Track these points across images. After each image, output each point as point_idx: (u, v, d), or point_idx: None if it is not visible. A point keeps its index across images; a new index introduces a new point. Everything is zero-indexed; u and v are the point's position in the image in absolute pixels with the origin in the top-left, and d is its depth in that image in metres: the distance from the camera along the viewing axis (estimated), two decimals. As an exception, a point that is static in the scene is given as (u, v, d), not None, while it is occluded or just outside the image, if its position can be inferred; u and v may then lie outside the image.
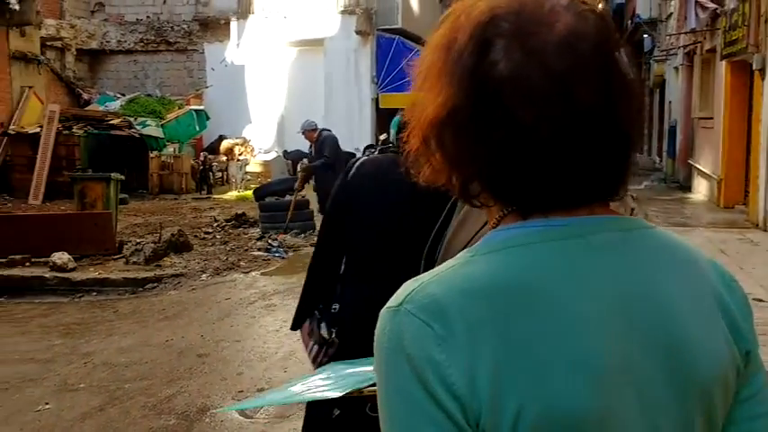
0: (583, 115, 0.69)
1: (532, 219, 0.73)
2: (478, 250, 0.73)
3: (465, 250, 0.75)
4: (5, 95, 16.03)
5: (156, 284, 7.78)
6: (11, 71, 16.09)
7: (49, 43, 17.73)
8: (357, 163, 2.60)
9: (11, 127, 15.83)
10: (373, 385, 1.06)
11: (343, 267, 2.58)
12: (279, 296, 7.07)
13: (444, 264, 0.74)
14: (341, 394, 1.13)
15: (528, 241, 0.72)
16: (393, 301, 0.72)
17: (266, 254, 9.10)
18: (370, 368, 1.12)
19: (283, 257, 9.03)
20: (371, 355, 0.74)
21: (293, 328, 2.74)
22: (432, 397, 0.66)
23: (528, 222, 0.73)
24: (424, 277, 0.72)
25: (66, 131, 15.65)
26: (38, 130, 15.54)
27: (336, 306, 2.52)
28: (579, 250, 0.71)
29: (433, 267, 1.04)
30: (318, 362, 2.48)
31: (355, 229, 2.52)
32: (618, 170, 0.75)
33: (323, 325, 2.53)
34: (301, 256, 9.18)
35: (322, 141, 9.57)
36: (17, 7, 15.39)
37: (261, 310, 6.55)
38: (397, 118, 2.83)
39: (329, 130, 9.90)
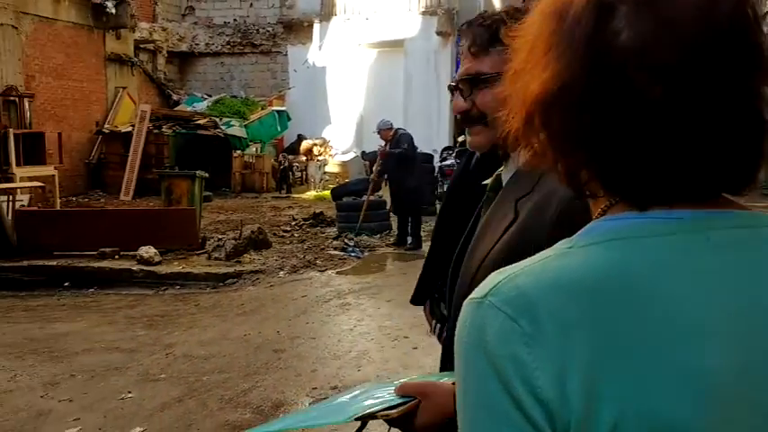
0: (718, 93, 0.61)
1: (649, 211, 0.65)
2: (577, 241, 0.66)
3: (563, 240, 0.68)
4: (101, 96, 16.85)
5: (235, 280, 7.97)
6: (106, 72, 16.89)
7: (142, 46, 18.51)
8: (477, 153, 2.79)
9: (105, 126, 16.62)
10: (387, 408, 1.08)
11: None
12: (353, 295, 7.10)
13: (538, 254, 0.67)
14: (346, 418, 1.09)
15: (636, 234, 0.64)
16: (477, 292, 0.65)
17: (342, 253, 9.18)
18: (391, 390, 1.13)
19: (359, 257, 9.09)
20: None
21: (412, 302, 2.85)
22: (513, 400, 0.60)
23: (639, 213, 0.65)
24: (514, 268, 0.65)
25: (156, 131, 16.29)
26: (130, 129, 16.25)
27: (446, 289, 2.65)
28: (696, 247, 0.63)
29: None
30: (443, 339, 2.49)
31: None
32: (752, 158, 0.66)
33: (442, 304, 2.52)
34: (377, 257, 9.22)
35: (398, 138, 9.58)
36: (113, 11, 16.17)
37: (336, 308, 6.60)
38: None
39: (404, 130, 9.90)
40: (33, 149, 13.70)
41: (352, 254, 9.14)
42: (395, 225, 10.44)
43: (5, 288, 8.17)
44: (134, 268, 8.27)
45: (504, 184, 1.36)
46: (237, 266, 8.32)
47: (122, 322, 6.54)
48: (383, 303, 6.71)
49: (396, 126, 9.98)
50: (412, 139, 9.74)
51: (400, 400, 1.09)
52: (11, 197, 9.13)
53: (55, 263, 8.50)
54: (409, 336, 5.61)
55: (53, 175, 13.83)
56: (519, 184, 1.29)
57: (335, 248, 9.30)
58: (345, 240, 9.60)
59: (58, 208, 13.88)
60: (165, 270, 8.22)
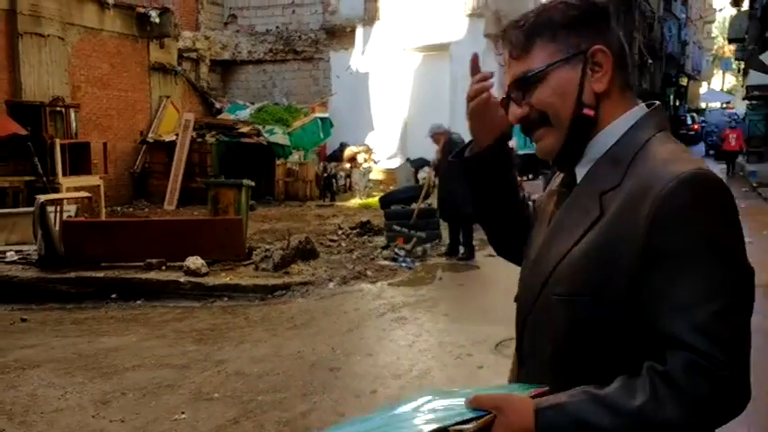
0: None
1: None
2: None
3: None
4: (145, 105, 16.89)
5: (284, 292, 7.72)
6: (150, 81, 16.93)
7: (185, 54, 18.55)
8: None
9: (149, 135, 16.64)
10: (460, 422, 1.05)
11: None
12: (408, 308, 6.78)
13: None
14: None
15: None
16: None
17: (393, 263, 8.87)
18: (459, 401, 1.11)
19: (411, 268, 8.77)
20: None
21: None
22: None
23: None
24: None
25: (200, 139, 16.24)
26: (174, 138, 16.23)
27: None
28: None
29: None
30: None
31: None
32: None
33: None
34: (429, 268, 8.89)
35: (454, 144, 9.25)
36: (157, 20, 16.21)
37: (391, 322, 6.28)
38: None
39: (458, 134, 9.54)
40: (79, 159, 13.75)
41: (404, 264, 8.82)
42: (445, 233, 10.12)
43: (54, 300, 8.06)
44: (181, 280, 8.08)
45: (578, 178, 1.27)
46: (286, 278, 8.08)
47: (171, 336, 6.33)
48: (440, 318, 6.37)
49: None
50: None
51: (473, 414, 1.06)
52: (58, 208, 9.04)
53: (102, 274, 8.37)
54: (473, 353, 5.26)
55: (98, 185, 13.89)
56: (603, 176, 1.21)
57: (385, 258, 8.99)
58: (395, 250, 9.29)
59: (104, 218, 13.94)
60: (212, 281, 8.01)
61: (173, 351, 5.77)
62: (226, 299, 7.73)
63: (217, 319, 6.90)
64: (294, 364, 5.26)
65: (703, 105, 60.37)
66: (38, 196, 8.85)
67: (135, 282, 8.19)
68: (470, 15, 17.36)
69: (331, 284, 7.92)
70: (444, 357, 5.20)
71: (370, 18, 18.48)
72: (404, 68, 18.20)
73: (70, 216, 9.46)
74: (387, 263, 8.91)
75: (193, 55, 18.96)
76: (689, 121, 42.57)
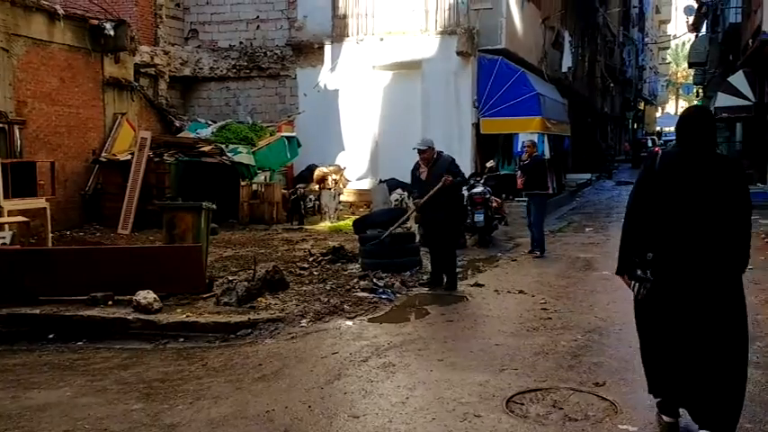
0: None
1: None
2: None
3: None
4: (98, 122, 15.75)
5: (249, 331, 6.74)
6: (104, 98, 15.80)
7: (143, 70, 17.46)
8: (659, 156, 3.90)
9: (102, 154, 15.49)
10: None
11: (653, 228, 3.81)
12: (396, 352, 5.86)
13: None
14: None
15: None
16: None
17: (372, 295, 7.95)
18: None
19: (391, 300, 7.87)
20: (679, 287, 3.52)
21: (618, 273, 4.01)
22: None
23: None
24: None
25: (157, 159, 15.15)
26: (129, 157, 15.12)
27: (650, 254, 3.80)
28: None
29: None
30: (640, 295, 3.88)
31: (666, 203, 3.77)
32: None
33: (638, 270, 3.83)
34: (411, 300, 7.99)
35: (449, 164, 8.48)
36: (112, 33, 15.15)
37: (377, 371, 5.35)
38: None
39: (442, 151, 8.76)
40: (23, 180, 12.56)
41: (384, 296, 7.92)
42: (426, 261, 9.28)
43: (-18, 341, 6.97)
44: (129, 317, 7.05)
45: None
46: (251, 314, 7.09)
47: (113, 389, 5.30)
48: (435, 363, 5.46)
49: None
50: (455, 162, 8.68)
51: None
52: (-10, 234, 7.94)
53: (38, 311, 7.29)
54: (481, 413, 4.37)
55: (45, 208, 12.70)
56: None
57: (363, 290, 8.07)
58: (374, 280, 8.38)
59: (50, 243, 12.73)
60: (165, 319, 6.99)
61: (113, 411, 4.76)
62: (182, 339, 6.73)
63: (169, 366, 5.88)
64: (263, 429, 4.30)
65: (658, 129, 61.41)
66: (-35, 222, 7.72)
67: (76, 320, 7.13)
68: (442, 33, 16.70)
69: (303, 321, 6.96)
70: (447, 419, 4.28)
71: (338, 35, 17.69)
72: (374, 86, 17.42)
73: (5, 244, 8.35)
74: (365, 294, 7.99)
75: (151, 71, 17.88)
76: (649, 144, 43.08)
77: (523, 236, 13.35)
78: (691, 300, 3.70)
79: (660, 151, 4.27)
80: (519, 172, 16.97)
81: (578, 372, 5.19)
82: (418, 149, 8.57)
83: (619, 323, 6.63)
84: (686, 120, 3.89)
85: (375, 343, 6.13)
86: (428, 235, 8.82)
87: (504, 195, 15.11)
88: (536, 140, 14.10)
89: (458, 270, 9.75)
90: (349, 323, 6.94)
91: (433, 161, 8.48)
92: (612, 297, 7.87)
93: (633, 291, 3.91)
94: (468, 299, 7.97)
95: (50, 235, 12.88)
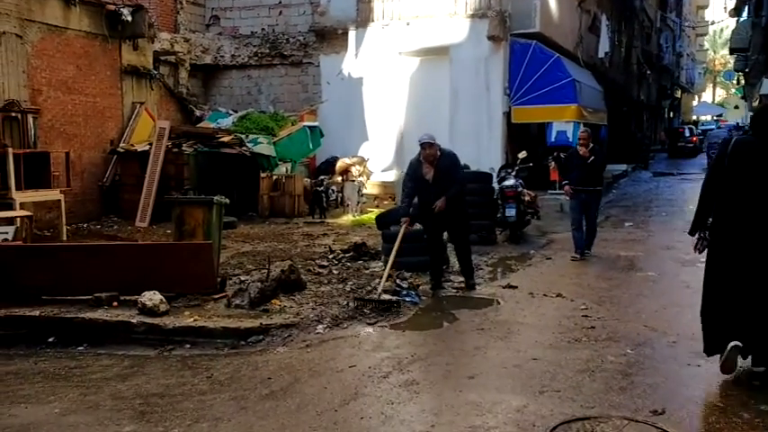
0: None
1: None
2: None
3: None
4: (116, 112, 15.32)
5: (261, 337, 6.17)
6: (122, 86, 15.36)
7: (162, 58, 17.00)
8: (733, 141, 4.82)
9: (120, 145, 15.06)
10: None
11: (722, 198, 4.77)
12: (420, 366, 5.23)
13: None
14: None
15: None
16: None
17: (393, 297, 7.32)
18: None
19: (416, 303, 7.23)
20: (742, 243, 4.58)
21: (690, 233, 5.03)
22: None
23: None
24: None
25: (176, 149, 14.67)
26: (147, 148, 14.67)
27: (710, 220, 4.86)
28: None
29: None
30: (698, 249, 4.99)
31: (735, 180, 4.70)
32: None
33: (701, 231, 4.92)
34: (437, 303, 7.35)
35: (451, 161, 7.73)
36: (129, 19, 14.69)
37: (399, 390, 4.72)
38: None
39: (440, 146, 7.93)
40: (37, 171, 12.16)
41: (407, 298, 7.29)
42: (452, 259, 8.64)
43: (-21, 343, 6.51)
44: (133, 321, 6.52)
45: None
46: (264, 318, 6.52)
47: (107, 406, 4.77)
48: (464, 382, 4.82)
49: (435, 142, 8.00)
50: (459, 160, 7.95)
51: None
52: (-10, 230, 7.47)
53: (38, 312, 6.80)
54: (520, 448, 3.73)
55: (59, 200, 12.32)
56: None
57: (386, 291, 7.43)
58: (397, 281, 7.75)
59: (65, 236, 12.34)
60: (172, 323, 6.44)
61: (101, 434, 4.21)
62: (188, 346, 6.19)
63: (171, 378, 5.33)
64: (266, 462, 3.72)
65: (694, 118, 59.74)
66: (-37, 216, 7.26)
67: (77, 323, 6.62)
68: (472, 16, 15.91)
69: (320, 327, 6.37)
70: (480, 456, 3.65)
71: (363, 20, 17.01)
72: (400, 73, 16.73)
73: (6, 240, 7.89)
74: (387, 297, 7.36)
75: (171, 58, 17.40)
76: (687, 134, 41.44)
77: (557, 231, 12.63)
78: (751, 253, 4.65)
79: (734, 137, 4.97)
80: (553, 163, 16.30)
81: (631, 395, 4.51)
82: (423, 144, 7.63)
83: (672, 334, 5.92)
84: (761, 112, 4.90)
85: (397, 355, 5.51)
86: (434, 233, 8.03)
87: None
88: (573, 130, 13.37)
89: (489, 269, 9.13)
90: (369, 330, 6.33)
91: (438, 159, 7.66)
92: (661, 302, 7.16)
93: (696, 247, 4.99)
94: (499, 303, 7.30)
95: (65, 228, 12.50)
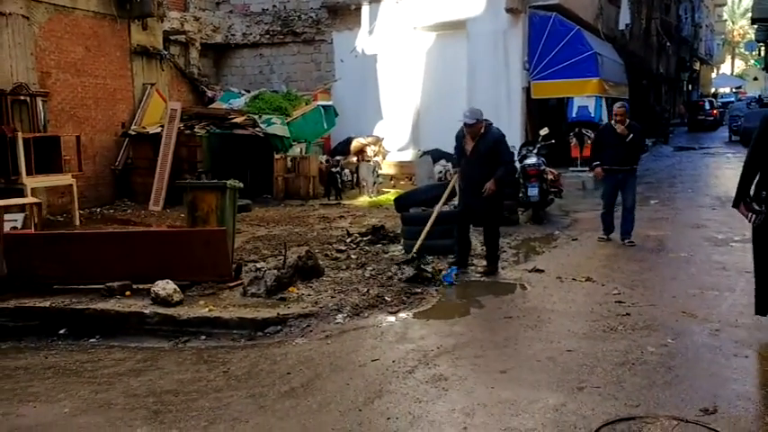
0: None
1: None
2: None
3: None
4: (127, 94, 15.05)
5: (279, 328, 5.91)
6: (132, 67, 15.07)
7: (172, 37, 16.67)
8: None
9: (132, 127, 14.81)
10: None
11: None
12: (447, 359, 4.94)
13: None
14: None
15: None
16: None
17: (416, 283, 7.03)
18: None
19: (453, 283, 6.98)
20: None
21: (733, 206, 5.15)
22: None
23: None
24: None
25: (188, 131, 14.39)
26: (159, 130, 14.41)
27: (764, 192, 4.92)
28: None
29: None
30: (755, 223, 4.97)
31: None
32: None
33: (754, 204, 4.95)
34: (461, 289, 7.05)
35: (496, 142, 7.41)
36: (138, -3, 14.34)
37: (426, 386, 4.44)
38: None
39: (491, 123, 7.66)
40: (48, 156, 11.95)
41: (447, 279, 7.06)
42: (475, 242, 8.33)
43: (-11, 336, 6.31)
44: (147, 311, 6.27)
45: None
46: (281, 307, 6.25)
47: (118, 405, 4.53)
48: (496, 377, 4.52)
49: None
50: (506, 140, 7.63)
51: None
52: (-4, 217, 7.22)
53: (49, 303, 6.58)
54: (561, 452, 3.43)
55: (71, 185, 12.12)
56: None
57: (409, 279, 7.13)
58: (421, 266, 7.43)
59: (78, 221, 12.16)
60: (186, 314, 6.19)
61: (112, 438, 3.97)
62: (203, 337, 5.94)
63: (186, 373, 5.09)
64: (287, 470, 3.46)
65: (713, 90, 58.59)
66: (-30, 205, 7.03)
67: (89, 314, 6.39)
68: (490, -12, 15.43)
69: (339, 317, 6.09)
70: (518, 461, 3.37)
71: (377, -6, 16.57)
72: (415, 49, 16.29)
73: (15, 228, 7.66)
74: (429, 269, 7.13)
75: (182, 38, 17.06)
76: (707, 107, 40.49)
77: (580, 209, 12.27)
78: None
79: None
80: (574, 140, 15.87)
81: (677, 391, 4.19)
82: (465, 123, 7.43)
83: (713, 321, 5.59)
84: None
85: (422, 347, 5.22)
86: (467, 214, 7.74)
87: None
88: (595, 104, 12.93)
89: (512, 251, 8.80)
90: (391, 319, 6.04)
91: (481, 135, 7.42)
92: (697, 286, 6.81)
93: (749, 221, 4.99)
94: (526, 288, 6.98)
95: (78, 212, 12.31)
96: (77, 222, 12.10)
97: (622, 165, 8.81)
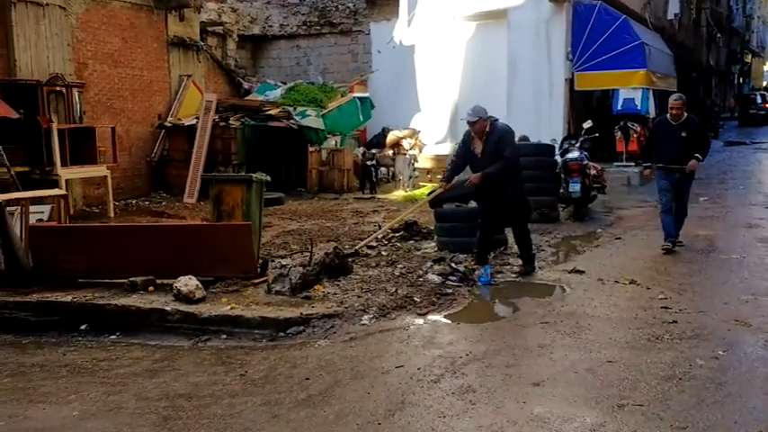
0: None
1: None
2: None
3: None
4: (163, 85, 14.99)
5: (302, 328, 5.65)
6: (169, 58, 15.00)
7: (209, 29, 16.58)
8: None
9: (168, 119, 14.76)
10: None
11: None
12: (476, 368, 4.60)
13: None
14: None
15: None
16: None
17: (452, 282, 6.71)
18: None
19: (491, 283, 6.65)
20: None
21: None
22: None
23: None
24: None
25: (223, 123, 14.27)
26: (194, 122, 14.32)
27: None
28: None
29: None
30: None
31: None
32: None
33: None
34: (496, 289, 6.69)
35: (500, 137, 7.01)
36: (175, -12, 14.26)
37: (452, 398, 4.12)
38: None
39: (497, 119, 7.25)
40: (84, 147, 11.95)
41: (483, 279, 6.74)
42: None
43: (11, 329, 6.24)
44: (167, 308, 6.09)
45: None
46: (305, 306, 6.00)
47: (129, 408, 4.32)
48: (528, 391, 4.17)
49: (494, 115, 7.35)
50: (513, 135, 7.20)
51: None
52: (23, 209, 7.13)
53: (70, 298, 6.45)
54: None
55: (105, 176, 12.10)
56: None
57: (443, 278, 6.81)
58: (452, 264, 7.11)
59: (112, 213, 12.14)
60: (207, 312, 5.99)
61: (116, 446, 3.75)
62: (224, 336, 5.74)
63: (202, 376, 4.86)
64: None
65: (765, 83, 56.55)
66: (-5, 196, 6.94)
67: (110, 309, 6.23)
68: (532, -24, 14.91)
69: (365, 318, 5.80)
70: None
71: (415, -17, 16.18)
72: (454, 40, 15.88)
73: (41, 220, 7.57)
74: (440, 282, 6.75)
75: (219, 29, 16.96)
76: (758, 100, 39.01)
77: (624, 206, 11.75)
78: None
79: None
80: (619, 133, 15.27)
81: (729, 411, 3.79)
82: (467, 122, 7.12)
83: (768, 331, 5.14)
84: None
85: (450, 353, 4.89)
86: (489, 217, 7.36)
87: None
88: (641, 97, 12.35)
89: (551, 250, 8.40)
90: (419, 321, 5.73)
91: (487, 134, 7.03)
92: (750, 291, 6.32)
93: None
94: (565, 290, 6.58)
95: (112, 204, 12.29)
96: (111, 214, 12.08)
97: (679, 163, 7.93)
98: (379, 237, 8.95)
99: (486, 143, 7.04)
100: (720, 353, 4.72)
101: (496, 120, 7.18)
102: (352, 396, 4.25)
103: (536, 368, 4.54)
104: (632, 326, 5.36)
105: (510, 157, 7.05)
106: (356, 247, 7.20)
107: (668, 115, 8.16)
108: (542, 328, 5.42)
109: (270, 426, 3.92)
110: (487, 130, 7.03)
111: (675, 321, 5.42)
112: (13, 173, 9.54)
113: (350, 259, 7.32)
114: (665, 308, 5.80)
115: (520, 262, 7.39)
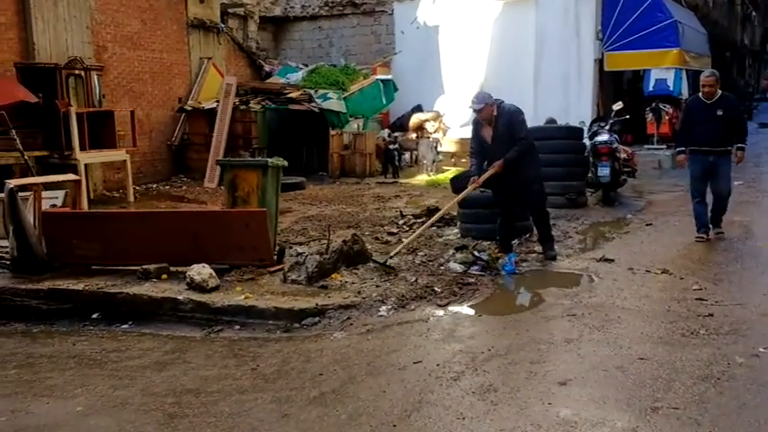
0: None
1: None
2: None
3: None
4: (183, 68, 14.83)
5: (317, 319, 5.43)
6: (189, 41, 14.83)
7: (230, 10, 16.36)
8: None
9: (188, 102, 14.61)
10: None
11: None
12: (498, 365, 4.34)
13: None
14: None
15: None
16: None
17: (474, 270, 6.44)
18: None
19: (515, 272, 6.37)
20: None
21: None
22: None
23: None
24: None
25: (243, 106, 14.08)
26: (214, 105, 14.15)
27: None
28: None
29: None
30: None
31: None
32: None
33: None
34: (521, 278, 6.41)
35: (509, 119, 6.70)
36: (194, -31, 14.03)
37: (472, 398, 3.86)
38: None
39: (502, 101, 6.90)
40: (103, 131, 11.83)
41: (507, 268, 6.47)
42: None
43: (23, 317, 6.13)
44: (180, 297, 5.91)
45: None
46: (321, 297, 5.78)
47: (134, 404, 4.14)
48: (554, 390, 3.90)
49: (499, 99, 6.99)
50: (522, 114, 6.85)
51: None
52: (35, 194, 7.00)
53: (82, 286, 6.30)
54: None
55: (125, 160, 11.99)
56: None
57: (464, 264, 6.55)
58: (474, 252, 6.83)
59: (132, 197, 12.05)
60: (221, 301, 5.80)
61: (117, 447, 3.57)
62: (237, 327, 5.55)
63: (212, 369, 4.67)
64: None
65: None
66: (8, 181, 6.80)
67: (121, 298, 6.08)
68: (561, -47, 14.42)
69: (383, 309, 5.57)
70: None
71: (440, -39, 15.76)
72: (480, 19, 15.46)
73: (55, 205, 7.44)
74: (462, 271, 6.49)
75: (240, 11, 16.72)
76: (795, 81, 37.75)
77: (655, 191, 11.35)
78: None
79: None
80: (650, 115, 14.77)
81: (774, 418, 3.49)
82: (474, 110, 6.84)
83: (815, 327, 4.80)
84: None
85: (471, 348, 4.64)
86: (507, 198, 7.05)
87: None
88: (674, 77, 11.87)
89: (579, 237, 8.07)
90: (440, 313, 5.48)
91: (495, 119, 6.75)
92: (793, 282, 5.96)
93: None
94: (593, 280, 6.28)
95: (132, 188, 12.19)
96: (131, 198, 11.99)
97: (714, 146, 7.40)
98: (401, 223, 8.70)
99: (495, 128, 6.80)
100: (761, 350, 4.40)
101: (502, 102, 6.88)
102: (366, 394, 4.02)
103: (562, 365, 4.27)
104: (665, 319, 5.05)
105: (525, 137, 6.79)
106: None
107: (700, 94, 7.63)
108: (569, 320, 5.13)
109: (279, 426, 3.71)
110: (495, 114, 6.75)
111: (711, 314, 5.10)
112: (26, 157, 9.42)
113: (370, 251, 7.07)
114: (700, 299, 5.47)
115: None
